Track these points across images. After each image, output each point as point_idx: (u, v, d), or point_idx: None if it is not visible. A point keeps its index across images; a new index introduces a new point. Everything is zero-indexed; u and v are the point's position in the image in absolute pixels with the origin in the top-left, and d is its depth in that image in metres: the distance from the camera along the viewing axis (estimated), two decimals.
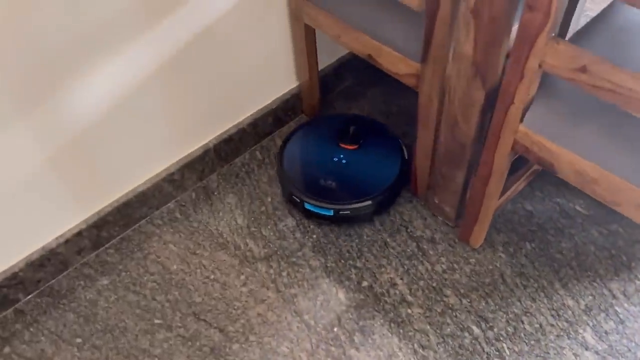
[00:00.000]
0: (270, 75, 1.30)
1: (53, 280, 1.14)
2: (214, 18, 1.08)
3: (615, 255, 1.12)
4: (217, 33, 1.11)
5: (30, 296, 1.12)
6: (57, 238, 1.10)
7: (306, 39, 1.23)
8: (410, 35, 0.97)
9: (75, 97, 0.97)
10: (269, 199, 1.26)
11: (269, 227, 1.21)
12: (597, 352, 0.99)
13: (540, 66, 0.78)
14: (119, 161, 1.12)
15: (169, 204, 1.26)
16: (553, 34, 0.75)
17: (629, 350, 0.99)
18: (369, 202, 1.15)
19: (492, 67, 0.86)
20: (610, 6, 0.97)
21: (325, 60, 1.40)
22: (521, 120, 0.87)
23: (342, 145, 1.23)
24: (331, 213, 1.15)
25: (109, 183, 1.13)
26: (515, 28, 0.78)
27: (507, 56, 0.83)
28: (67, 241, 1.11)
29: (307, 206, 1.16)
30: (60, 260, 1.12)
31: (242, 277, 1.13)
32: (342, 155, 1.22)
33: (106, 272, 1.15)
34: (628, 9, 0.96)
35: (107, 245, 1.19)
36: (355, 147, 1.23)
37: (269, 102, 1.34)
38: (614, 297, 1.06)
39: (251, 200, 1.26)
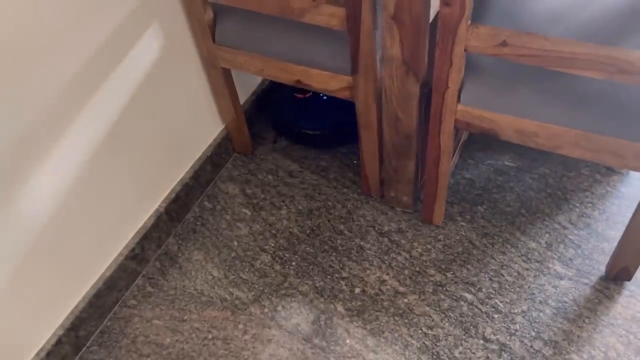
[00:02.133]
0: (198, 125, 1.30)
1: None
2: (133, 89, 1.07)
3: (552, 193, 1.27)
4: (140, 101, 1.10)
5: None
6: (37, 354, 1.02)
7: (225, 81, 1.26)
8: (336, 52, 1.04)
9: (23, 202, 0.91)
10: (235, 243, 1.26)
11: (246, 269, 1.21)
12: (570, 279, 1.13)
13: (465, 50, 0.88)
14: (79, 253, 1.06)
15: (136, 281, 1.21)
16: (470, 21, 0.85)
17: (593, 267, 1.14)
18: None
19: (421, 61, 0.95)
20: None
21: (244, 95, 1.43)
22: (458, 101, 0.97)
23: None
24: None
25: (75, 279, 1.07)
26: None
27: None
28: (48, 354, 1.03)
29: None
30: None
31: (240, 325, 1.13)
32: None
33: None
34: None
35: (88, 344, 1.12)
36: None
37: (204, 150, 1.34)
38: (564, 227, 1.21)
39: (219, 250, 1.25)
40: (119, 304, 1.18)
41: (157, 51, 1.10)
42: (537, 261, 1.16)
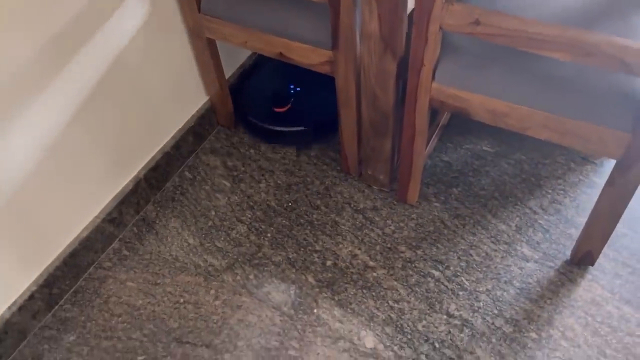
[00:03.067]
0: (181, 95, 1.32)
1: (15, 352, 1.07)
2: (119, 51, 1.09)
3: (526, 179, 1.30)
4: (123, 67, 1.11)
5: None
6: (9, 307, 1.04)
7: (210, 53, 1.27)
8: (317, 26, 1.05)
9: (1, 158, 0.93)
10: (213, 213, 1.28)
11: (221, 238, 1.24)
12: (536, 261, 1.16)
13: (440, 28, 0.90)
14: (55, 214, 1.08)
15: (113, 245, 1.23)
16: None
17: (559, 252, 1.17)
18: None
19: (399, 38, 0.97)
20: None
21: (230, 69, 1.45)
22: (433, 79, 0.99)
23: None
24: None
25: (50, 238, 1.09)
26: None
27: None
28: (20, 308, 1.05)
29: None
30: (17, 330, 1.06)
31: (212, 291, 1.15)
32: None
33: (69, 328, 1.11)
34: None
35: (61, 302, 1.14)
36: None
37: (186, 120, 1.36)
38: (535, 212, 1.24)
39: (196, 219, 1.27)
40: (94, 265, 1.20)
41: (142, 18, 1.11)
42: (506, 243, 1.19)
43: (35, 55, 0.92)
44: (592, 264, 1.13)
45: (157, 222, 1.27)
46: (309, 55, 1.10)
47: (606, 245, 1.10)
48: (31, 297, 1.07)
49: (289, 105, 1.39)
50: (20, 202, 0.99)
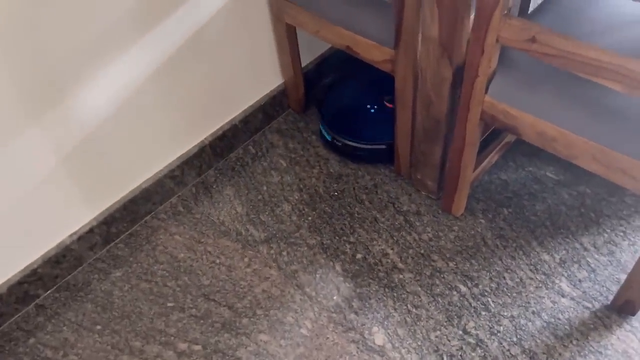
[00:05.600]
0: (257, 74, 1.40)
1: (69, 276, 1.22)
2: (202, 23, 1.18)
3: (584, 213, 1.23)
4: (206, 37, 1.21)
5: (49, 291, 1.20)
6: (70, 235, 1.18)
7: (288, 38, 1.34)
8: (383, 24, 1.08)
9: (81, 103, 1.06)
10: (265, 188, 1.35)
11: (266, 213, 1.30)
12: (572, 299, 1.10)
13: (497, 40, 0.89)
14: (123, 161, 1.20)
15: (171, 199, 1.35)
16: (506, 12, 0.86)
17: (601, 294, 1.10)
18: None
19: (457, 46, 0.97)
20: None
21: (307, 57, 1.51)
22: (486, 92, 0.97)
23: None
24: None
25: (115, 182, 1.22)
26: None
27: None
28: (79, 238, 1.19)
29: None
30: (74, 257, 1.20)
31: (246, 259, 1.22)
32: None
33: (118, 264, 1.24)
34: None
35: (117, 241, 1.28)
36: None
37: (258, 99, 1.44)
38: (585, 249, 1.17)
39: (248, 191, 1.35)
40: (151, 214, 1.32)
41: None
42: (545, 274, 1.14)
43: (128, 11, 1.03)
44: (634, 314, 1.05)
45: (214, 187, 1.37)
46: (373, 52, 1.13)
47: None
48: (90, 230, 1.21)
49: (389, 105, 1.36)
50: (94, 143, 1.12)
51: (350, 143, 1.34)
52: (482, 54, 0.92)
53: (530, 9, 1.33)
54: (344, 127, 1.36)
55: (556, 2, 1.06)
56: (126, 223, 1.27)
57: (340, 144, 1.36)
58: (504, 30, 0.86)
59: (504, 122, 0.98)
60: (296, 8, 1.22)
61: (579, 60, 0.80)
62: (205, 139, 1.36)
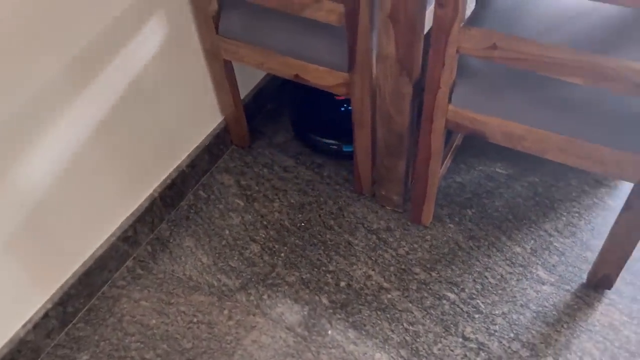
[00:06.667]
0: (198, 114, 1.33)
1: None
2: (137, 70, 1.10)
3: (540, 202, 1.30)
4: (141, 86, 1.13)
5: None
6: (24, 325, 1.04)
7: (226, 73, 1.29)
8: (334, 48, 1.07)
9: (18, 176, 0.94)
10: (227, 232, 1.28)
11: (235, 258, 1.24)
12: (552, 284, 1.15)
13: (457, 51, 0.91)
14: (72, 230, 1.08)
15: (127, 263, 1.24)
16: (463, 23, 0.88)
17: (575, 275, 1.16)
18: None
19: (415, 61, 0.98)
20: None
21: (244, 90, 1.46)
22: (449, 101, 0.99)
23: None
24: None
25: (67, 255, 1.09)
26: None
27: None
28: (35, 326, 1.05)
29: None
30: (31, 349, 1.06)
31: (225, 311, 1.15)
32: None
33: (82, 347, 1.10)
34: None
35: (74, 321, 1.14)
36: None
37: (202, 139, 1.37)
38: (550, 235, 1.23)
39: (209, 238, 1.28)
40: (108, 283, 1.20)
41: (161, 39, 1.13)
42: (521, 266, 1.18)
43: (58, 74, 0.94)
44: (610, 288, 1.12)
45: (171, 241, 1.28)
46: (325, 77, 1.11)
47: (624, 269, 1.09)
48: (45, 315, 1.07)
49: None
50: (37, 219, 1.00)
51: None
52: (442, 66, 0.94)
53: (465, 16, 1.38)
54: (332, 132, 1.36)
55: (489, 6, 1.11)
56: (83, 299, 1.15)
57: (335, 147, 1.37)
58: (465, 41, 0.89)
59: (470, 128, 1.01)
60: (234, 43, 1.18)
61: (541, 62, 0.84)
62: (154, 190, 1.27)
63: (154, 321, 1.14)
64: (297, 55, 1.12)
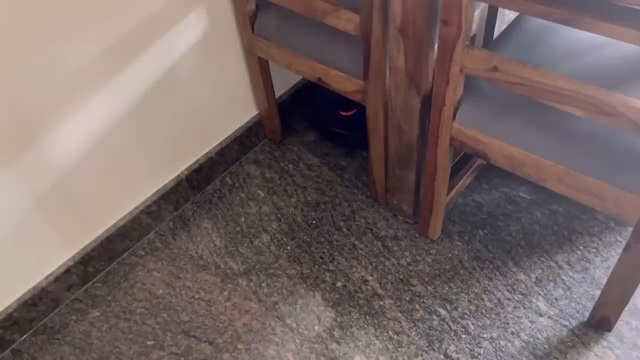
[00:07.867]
0: (232, 106, 1.41)
1: (46, 319, 1.20)
2: (178, 58, 1.19)
3: (558, 232, 1.25)
4: (180, 73, 1.22)
5: (25, 335, 1.17)
6: (46, 277, 1.17)
7: (261, 71, 1.35)
8: (352, 56, 1.10)
9: (56, 145, 1.05)
10: (243, 219, 1.36)
11: (245, 244, 1.30)
12: (550, 317, 1.11)
13: (461, 70, 0.91)
14: (99, 199, 1.20)
15: (148, 235, 1.34)
16: (467, 43, 0.88)
17: (577, 312, 1.12)
18: None
19: (424, 75, 0.99)
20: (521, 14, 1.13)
21: (281, 88, 1.53)
22: (454, 119, 1.00)
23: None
24: None
25: (92, 220, 1.21)
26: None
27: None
28: (56, 279, 1.18)
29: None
30: (51, 298, 1.19)
31: (225, 293, 1.22)
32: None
33: (96, 304, 1.22)
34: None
35: (94, 280, 1.26)
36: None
37: (234, 130, 1.45)
38: (560, 267, 1.19)
39: (226, 223, 1.35)
40: (128, 251, 1.31)
41: (200, 32, 1.21)
42: (522, 294, 1.15)
43: (101, 53, 1.04)
44: (609, 330, 1.07)
45: (192, 220, 1.37)
46: (344, 83, 1.15)
47: (630, 314, 1.04)
48: (67, 270, 1.19)
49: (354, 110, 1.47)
50: (69, 183, 1.12)
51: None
52: (447, 83, 0.94)
53: (495, 35, 1.37)
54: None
55: (518, 28, 1.09)
56: (103, 261, 1.26)
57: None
58: (467, 61, 0.89)
59: (473, 148, 1.01)
60: (268, 42, 1.24)
61: (539, 88, 0.83)
62: (181, 172, 1.36)
63: (161, 291, 1.23)
64: (320, 60, 1.16)
